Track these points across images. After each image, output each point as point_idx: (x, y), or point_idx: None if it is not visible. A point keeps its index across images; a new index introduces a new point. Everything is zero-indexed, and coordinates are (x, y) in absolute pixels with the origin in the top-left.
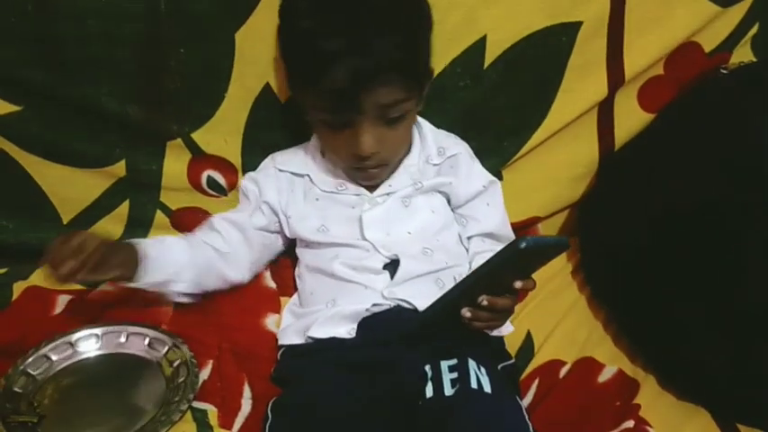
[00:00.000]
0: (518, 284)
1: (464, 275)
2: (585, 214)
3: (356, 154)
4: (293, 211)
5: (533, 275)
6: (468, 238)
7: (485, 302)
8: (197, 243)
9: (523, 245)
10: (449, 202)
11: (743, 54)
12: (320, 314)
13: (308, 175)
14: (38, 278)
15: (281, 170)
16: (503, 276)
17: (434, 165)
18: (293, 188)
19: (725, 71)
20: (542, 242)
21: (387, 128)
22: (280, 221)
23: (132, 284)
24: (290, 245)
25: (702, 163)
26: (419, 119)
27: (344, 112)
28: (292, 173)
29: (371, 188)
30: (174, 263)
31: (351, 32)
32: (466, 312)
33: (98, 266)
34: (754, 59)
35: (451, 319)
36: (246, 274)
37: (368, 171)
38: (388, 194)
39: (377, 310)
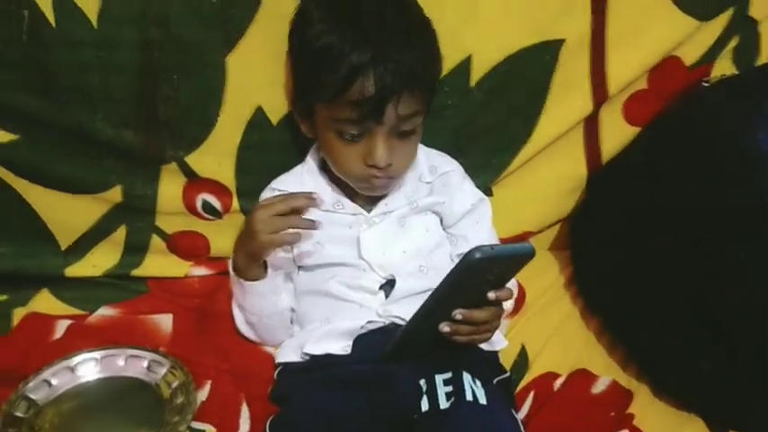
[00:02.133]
0: (491, 295)
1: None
2: (576, 228)
3: (371, 165)
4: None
5: (531, 286)
6: (458, 255)
7: (459, 316)
8: None
9: (478, 255)
10: (441, 221)
11: (724, 66)
12: (315, 331)
13: None
14: (37, 304)
15: (281, 191)
16: (470, 288)
17: (427, 183)
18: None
19: (707, 84)
20: (500, 252)
21: (398, 141)
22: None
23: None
24: None
25: (689, 174)
26: None
27: (367, 122)
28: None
29: (368, 208)
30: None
31: (377, 45)
32: (444, 327)
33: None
34: (736, 72)
35: (432, 337)
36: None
37: (377, 181)
38: (384, 214)
39: (372, 327)
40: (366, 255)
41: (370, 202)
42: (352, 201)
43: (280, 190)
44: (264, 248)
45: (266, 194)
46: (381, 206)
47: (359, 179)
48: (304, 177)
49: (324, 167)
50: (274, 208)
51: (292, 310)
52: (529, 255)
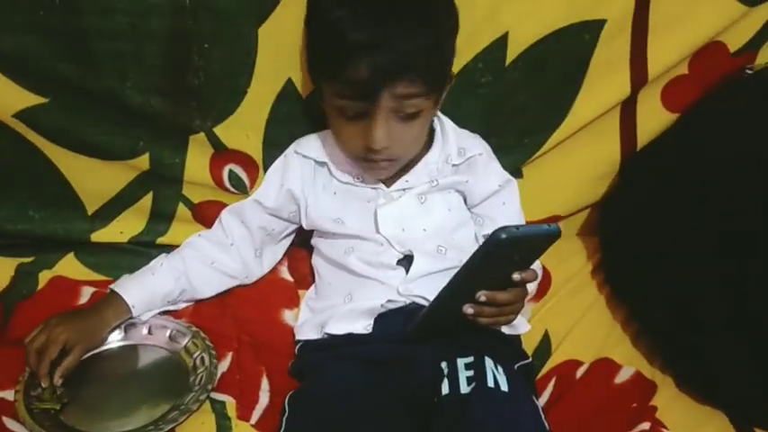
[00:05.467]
0: (516, 276)
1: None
2: (606, 214)
3: (367, 147)
4: (312, 200)
5: (557, 272)
6: (484, 236)
7: (483, 298)
8: (190, 257)
9: (503, 236)
10: (465, 201)
11: None
12: (337, 310)
13: (326, 164)
14: (62, 268)
15: (304, 156)
16: (495, 269)
17: (453, 165)
18: (315, 177)
19: (750, 71)
20: (525, 232)
21: (401, 123)
22: (299, 210)
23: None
24: (303, 237)
25: (726, 164)
26: (442, 116)
27: (363, 102)
28: (315, 161)
29: (388, 182)
30: (164, 295)
31: (378, 27)
32: (468, 309)
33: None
34: None
35: (455, 318)
36: (252, 266)
37: (377, 164)
38: (404, 190)
39: (392, 306)
40: (384, 230)
41: (390, 177)
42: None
43: (303, 155)
44: None
45: (291, 152)
46: (401, 182)
47: (359, 159)
48: (327, 147)
49: None
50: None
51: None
52: (555, 236)
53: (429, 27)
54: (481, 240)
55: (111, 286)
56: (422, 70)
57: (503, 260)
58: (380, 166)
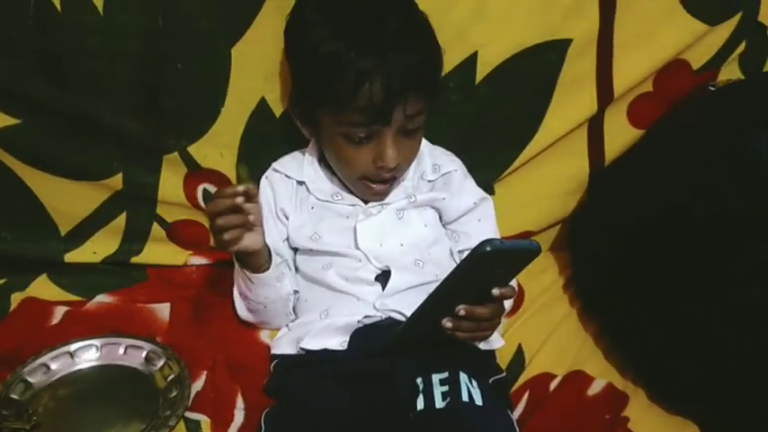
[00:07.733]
0: (495, 292)
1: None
2: (576, 229)
3: (380, 166)
4: (293, 218)
5: (529, 287)
6: (460, 251)
7: (462, 312)
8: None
9: (488, 248)
10: (440, 217)
11: (731, 71)
12: (313, 326)
13: (303, 183)
14: (35, 289)
15: (287, 176)
16: (476, 283)
17: (429, 181)
18: (296, 194)
19: (713, 88)
20: (509, 246)
21: (405, 139)
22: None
23: (258, 273)
24: None
25: (691, 178)
26: None
27: (376, 125)
28: (296, 180)
29: (366, 200)
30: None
31: (381, 49)
32: (447, 323)
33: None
34: (742, 77)
35: (433, 331)
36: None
37: (381, 185)
38: (382, 206)
39: (368, 321)
40: (362, 245)
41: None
42: (351, 193)
43: (281, 172)
44: (221, 249)
45: (270, 174)
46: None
47: (361, 181)
48: (304, 167)
49: (322, 159)
50: (215, 206)
51: (295, 292)
52: (536, 252)
53: (423, 41)
54: (456, 256)
55: None
56: (426, 84)
57: (484, 274)
58: (383, 189)
